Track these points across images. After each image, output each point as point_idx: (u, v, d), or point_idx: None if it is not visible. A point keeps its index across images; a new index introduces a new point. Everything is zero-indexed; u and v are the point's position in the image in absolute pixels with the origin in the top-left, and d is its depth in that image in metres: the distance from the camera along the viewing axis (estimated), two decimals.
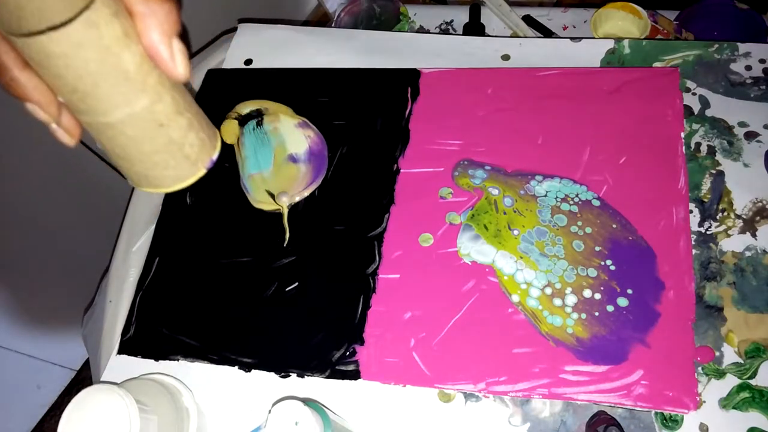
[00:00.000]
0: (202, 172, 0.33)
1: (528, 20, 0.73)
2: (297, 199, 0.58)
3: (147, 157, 0.31)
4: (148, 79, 0.28)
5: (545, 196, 0.53)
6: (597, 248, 0.50)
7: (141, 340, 0.54)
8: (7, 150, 0.81)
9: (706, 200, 0.52)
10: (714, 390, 0.45)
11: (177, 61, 0.28)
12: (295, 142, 0.61)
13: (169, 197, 0.61)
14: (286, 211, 0.58)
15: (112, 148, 0.31)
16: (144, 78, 0.28)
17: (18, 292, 0.90)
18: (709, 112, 0.56)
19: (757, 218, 0.50)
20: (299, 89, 0.64)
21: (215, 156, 0.34)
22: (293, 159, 0.60)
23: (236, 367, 0.52)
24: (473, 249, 0.52)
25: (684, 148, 0.53)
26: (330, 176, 0.59)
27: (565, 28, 0.73)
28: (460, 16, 0.77)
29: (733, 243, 0.50)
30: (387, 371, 0.49)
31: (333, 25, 0.79)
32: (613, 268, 0.49)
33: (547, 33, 0.73)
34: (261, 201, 0.59)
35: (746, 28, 0.66)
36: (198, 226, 0.59)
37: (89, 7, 0.25)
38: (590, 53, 0.61)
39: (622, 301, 0.48)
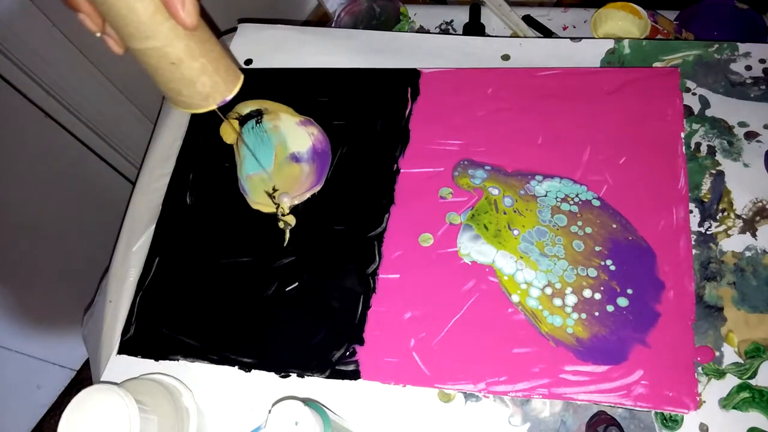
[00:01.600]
0: (212, 106, 0.41)
1: (528, 20, 0.74)
2: (298, 201, 0.58)
3: (165, 83, 0.39)
4: (161, 27, 0.35)
5: (545, 196, 0.53)
6: (597, 248, 0.50)
7: (141, 340, 0.54)
8: (7, 151, 0.81)
9: (706, 200, 0.52)
10: (714, 390, 0.45)
11: (186, 12, 0.34)
12: (298, 140, 0.61)
13: (169, 197, 0.61)
14: (288, 215, 0.57)
15: (142, 67, 0.39)
16: (156, 25, 0.35)
17: (18, 292, 0.90)
18: (709, 112, 0.56)
19: (757, 218, 0.50)
20: (299, 89, 0.64)
21: (229, 97, 0.41)
22: (295, 158, 0.59)
23: (236, 367, 0.52)
24: (473, 249, 0.52)
25: (684, 148, 0.53)
26: (330, 176, 0.59)
27: (565, 28, 0.73)
28: (460, 16, 0.77)
29: (733, 243, 0.50)
30: (387, 371, 0.49)
31: (333, 25, 0.79)
32: (613, 268, 0.49)
33: (547, 33, 0.73)
34: (260, 203, 0.59)
35: (746, 28, 0.66)
36: (198, 226, 0.59)
37: None
38: (590, 53, 0.61)
39: (622, 301, 0.48)
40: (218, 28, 0.86)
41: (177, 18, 0.35)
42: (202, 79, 0.39)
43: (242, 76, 0.42)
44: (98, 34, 0.38)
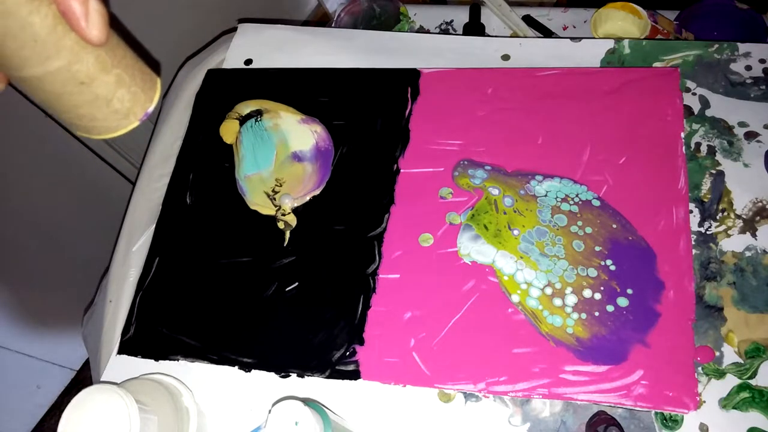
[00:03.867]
0: (134, 124, 0.33)
1: (528, 20, 0.73)
2: (299, 203, 0.57)
3: (71, 109, 0.31)
4: (64, 41, 0.28)
5: (545, 196, 0.53)
6: (597, 248, 0.50)
7: (141, 340, 0.54)
8: (7, 150, 0.80)
9: (706, 200, 0.52)
10: (714, 390, 0.45)
11: (91, 22, 0.27)
12: (300, 139, 0.60)
13: (169, 197, 0.61)
14: (288, 215, 0.57)
15: (36, 98, 0.31)
16: (57, 40, 0.28)
17: (18, 292, 0.90)
18: (709, 112, 0.56)
19: (757, 218, 0.50)
20: (299, 89, 0.64)
21: (151, 108, 0.34)
22: (297, 157, 0.59)
23: (236, 367, 0.52)
24: (473, 249, 0.52)
25: (684, 148, 0.53)
26: (330, 176, 0.59)
27: (565, 28, 0.73)
28: (460, 16, 0.77)
29: (733, 243, 0.50)
30: (387, 371, 0.49)
31: (333, 25, 0.78)
32: (613, 268, 0.49)
33: (547, 33, 0.73)
34: (258, 204, 0.58)
35: (746, 28, 0.66)
36: (198, 226, 0.59)
37: None
38: (590, 53, 0.61)
39: (622, 301, 0.48)
40: (218, 29, 0.86)
41: (80, 33, 0.28)
42: (118, 94, 0.32)
43: (159, 79, 0.35)
44: None
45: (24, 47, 0.28)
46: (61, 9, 0.27)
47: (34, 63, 0.29)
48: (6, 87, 0.31)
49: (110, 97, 0.32)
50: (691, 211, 0.51)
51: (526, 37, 0.69)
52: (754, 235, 0.50)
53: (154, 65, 0.32)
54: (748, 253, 0.49)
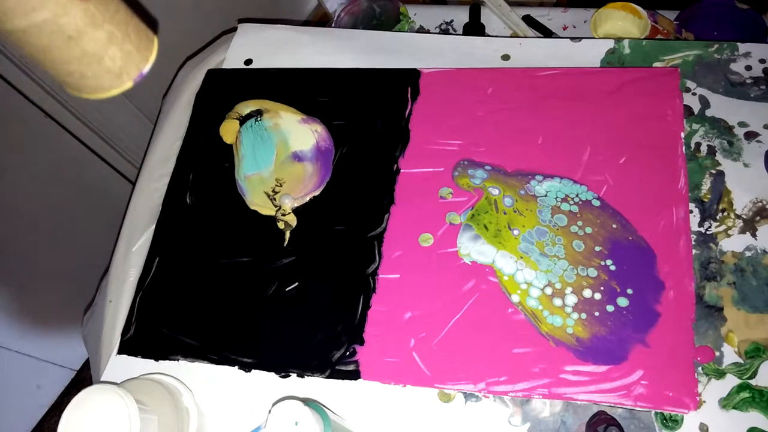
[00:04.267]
0: (128, 84, 0.32)
1: (528, 20, 0.73)
2: (300, 203, 0.57)
3: (60, 65, 0.30)
4: None
5: (545, 196, 0.53)
6: (597, 248, 0.50)
7: (141, 340, 0.54)
8: (7, 150, 0.80)
9: (706, 200, 0.52)
10: (714, 390, 0.45)
11: None
12: (301, 138, 0.59)
13: (169, 197, 0.61)
14: (288, 215, 0.57)
15: (25, 53, 0.30)
16: None
17: (18, 292, 0.90)
18: (709, 112, 0.56)
19: (757, 218, 0.50)
20: (299, 89, 0.64)
21: (146, 68, 0.32)
22: (298, 157, 0.59)
23: (236, 367, 0.52)
24: (473, 249, 0.52)
25: (684, 148, 0.53)
26: (330, 176, 0.59)
27: (565, 28, 0.73)
28: (460, 16, 0.77)
29: (733, 243, 0.50)
30: (387, 371, 0.49)
31: (333, 25, 0.78)
32: (613, 268, 0.49)
33: (547, 33, 0.73)
34: (258, 204, 0.58)
35: (746, 28, 0.66)
36: (198, 226, 0.59)
37: None
38: (590, 53, 0.61)
39: (622, 301, 0.48)
40: (218, 29, 0.86)
41: None
42: (110, 52, 0.31)
43: (156, 38, 0.34)
44: None
45: None
46: None
47: (18, 14, 0.27)
48: None
49: (101, 54, 0.31)
50: (691, 211, 0.51)
51: (526, 37, 0.69)
52: (754, 235, 0.50)
53: (152, 24, 0.30)
54: (748, 253, 0.49)
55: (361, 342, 0.50)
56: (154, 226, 0.60)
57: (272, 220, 0.57)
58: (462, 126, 0.58)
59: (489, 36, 0.72)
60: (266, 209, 0.58)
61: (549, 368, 0.46)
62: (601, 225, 0.51)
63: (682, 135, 0.54)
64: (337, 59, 0.66)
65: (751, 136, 0.54)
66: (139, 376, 0.50)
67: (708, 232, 0.51)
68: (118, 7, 0.31)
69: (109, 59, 0.31)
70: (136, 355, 0.54)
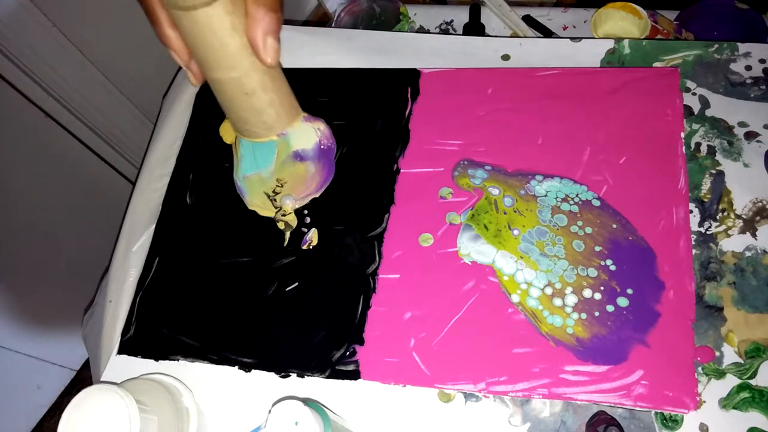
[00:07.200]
0: (273, 137, 0.49)
1: (528, 20, 0.73)
2: (301, 204, 0.57)
3: (237, 112, 0.45)
4: (244, 60, 0.40)
5: (545, 196, 0.53)
6: (597, 248, 0.50)
7: (141, 340, 0.54)
8: (7, 150, 0.81)
9: (706, 200, 0.52)
10: (714, 390, 0.45)
11: (267, 53, 0.40)
12: (302, 137, 0.58)
13: (169, 197, 0.61)
14: (289, 215, 0.57)
15: (219, 99, 0.45)
16: (241, 59, 0.40)
17: (18, 292, 0.90)
18: (709, 112, 0.56)
19: (757, 218, 0.50)
20: (299, 89, 0.64)
21: (287, 131, 0.50)
22: (299, 156, 0.58)
23: (236, 367, 0.52)
24: (473, 249, 0.52)
25: (684, 148, 0.53)
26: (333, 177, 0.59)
27: (565, 28, 0.73)
28: (460, 16, 0.77)
29: (733, 243, 0.50)
30: (387, 371, 0.49)
31: (333, 25, 0.78)
32: (613, 268, 0.49)
33: (547, 33, 0.73)
34: (257, 205, 0.58)
35: (746, 28, 0.66)
36: (198, 226, 0.59)
37: (210, 4, 0.38)
38: (590, 53, 0.61)
39: (622, 301, 0.48)
40: None
41: (259, 56, 0.40)
42: (268, 111, 0.44)
43: (303, 114, 0.49)
44: (184, 68, 0.44)
45: (217, 58, 0.40)
46: (249, 38, 0.40)
47: (220, 70, 0.41)
48: (199, 84, 0.45)
49: (262, 111, 0.44)
50: (691, 211, 0.51)
51: (526, 37, 0.69)
52: (754, 235, 0.50)
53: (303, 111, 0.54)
54: (748, 253, 0.49)
55: (361, 342, 0.50)
56: (154, 226, 0.60)
57: (272, 219, 0.57)
58: (462, 126, 0.58)
59: (489, 36, 0.72)
60: (266, 210, 0.58)
61: (549, 368, 0.46)
62: (601, 225, 0.51)
63: (682, 135, 0.54)
64: (337, 59, 0.66)
65: (751, 136, 0.54)
66: (139, 376, 0.50)
67: (708, 232, 0.51)
68: (282, 85, 0.45)
69: (267, 116, 0.45)
70: (136, 355, 0.54)
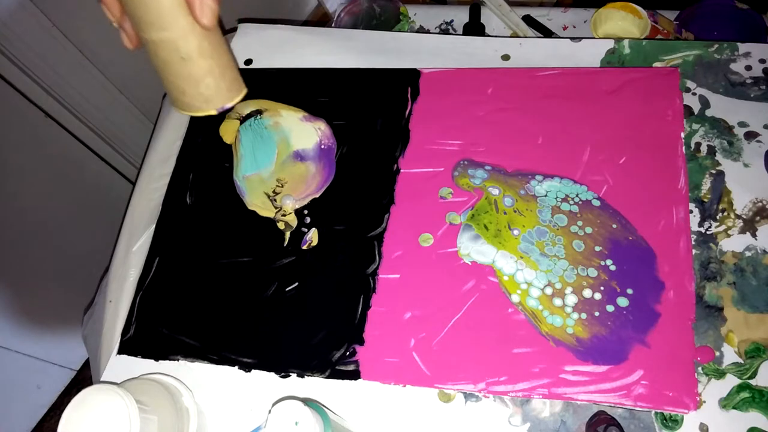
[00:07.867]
0: (212, 111, 0.42)
1: (528, 20, 0.73)
2: (301, 204, 0.57)
3: (171, 78, 0.40)
4: (179, 20, 0.37)
5: (545, 196, 0.53)
6: (597, 248, 0.50)
7: (141, 340, 0.54)
8: (7, 150, 0.81)
9: (706, 200, 0.52)
10: (714, 390, 0.45)
11: (203, 12, 0.37)
12: (303, 137, 0.58)
13: (169, 197, 0.61)
14: (289, 215, 0.57)
15: (153, 62, 0.41)
16: (175, 17, 0.37)
17: (18, 292, 0.90)
18: (709, 112, 0.56)
19: (757, 218, 0.50)
20: (299, 89, 0.64)
21: (229, 105, 0.43)
22: (299, 156, 0.58)
23: (236, 367, 0.52)
24: (473, 249, 0.52)
25: (684, 148, 0.53)
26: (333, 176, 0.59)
27: (565, 28, 0.73)
28: (460, 16, 0.77)
29: (733, 243, 0.50)
30: (387, 371, 0.49)
31: (333, 25, 0.78)
32: (613, 268, 0.49)
33: (547, 33, 0.73)
34: (257, 205, 0.58)
35: (746, 28, 0.66)
36: (198, 226, 0.59)
37: None
38: (590, 53, 0.61)
39: (622, 301, 0.48)
40: (223, 26, 0.86)
41: (194, 14, 0.37)
42: (206, 81, 0.40)
43: (245, 90, 0.44)
44: (115, 25, 0.40)
45: (150, 14, 0.37)
46: None
47: (153, 29, 0.37)
48: (134, 48, 0.41)
49: (200, 80, 0.40)
50: (691, 211, 0.51)
51: (526, 37, 0.69)
52: (754, 235, 0.50)
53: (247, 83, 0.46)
54: (748, 253, 0.49)
55: (361, 342, 0.50)
56: (154, 226, 0.60)
57: (272, 220, 0.57)
58: (462, 126, 0.58)
59: (489, 36, 0.72)
60: (266, 210, 0.58)
61: (549, 368, 0.46)
62: (601, 225, 0.51)
63: (682, 135, 0.54)
64: (337, 59, 0.66)
65: (751, 136, 0.54)
66: (139, 376, 0.50)
67: (708, 232, 0.51)
68: (223, 53, 0.41)
69: (204, 86, 0.41)
70: (136, 355, 0.54)
